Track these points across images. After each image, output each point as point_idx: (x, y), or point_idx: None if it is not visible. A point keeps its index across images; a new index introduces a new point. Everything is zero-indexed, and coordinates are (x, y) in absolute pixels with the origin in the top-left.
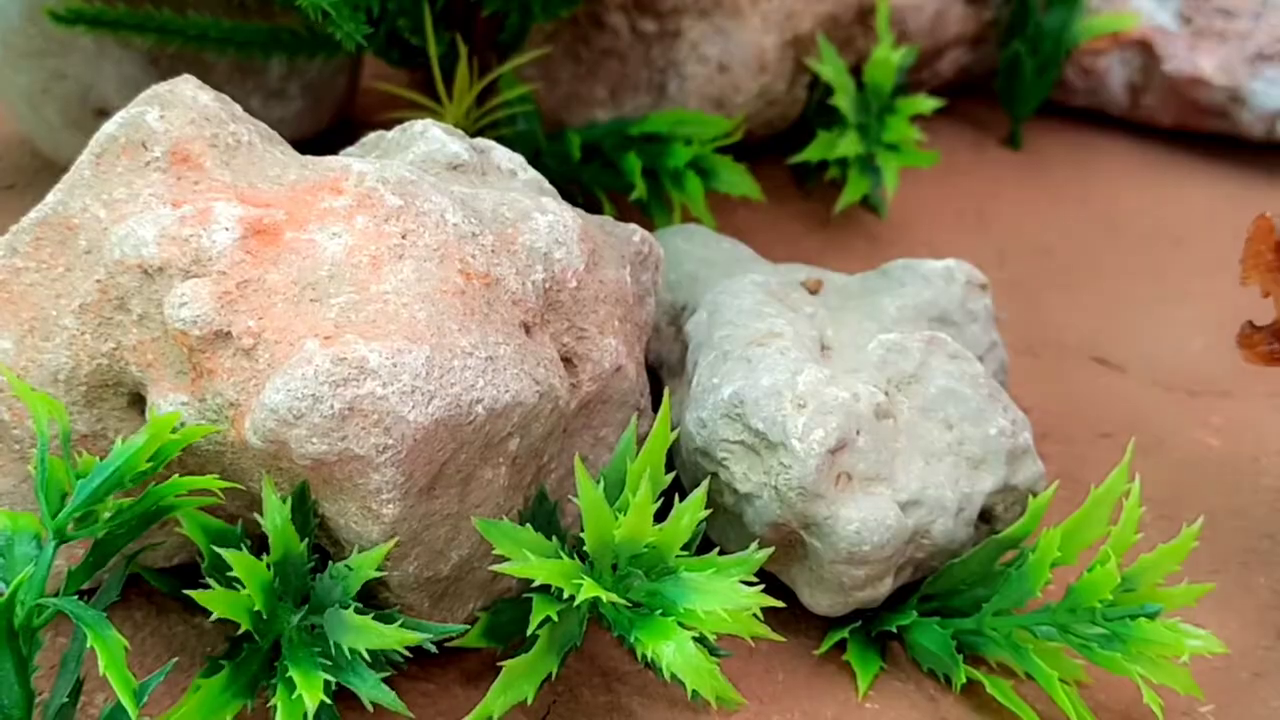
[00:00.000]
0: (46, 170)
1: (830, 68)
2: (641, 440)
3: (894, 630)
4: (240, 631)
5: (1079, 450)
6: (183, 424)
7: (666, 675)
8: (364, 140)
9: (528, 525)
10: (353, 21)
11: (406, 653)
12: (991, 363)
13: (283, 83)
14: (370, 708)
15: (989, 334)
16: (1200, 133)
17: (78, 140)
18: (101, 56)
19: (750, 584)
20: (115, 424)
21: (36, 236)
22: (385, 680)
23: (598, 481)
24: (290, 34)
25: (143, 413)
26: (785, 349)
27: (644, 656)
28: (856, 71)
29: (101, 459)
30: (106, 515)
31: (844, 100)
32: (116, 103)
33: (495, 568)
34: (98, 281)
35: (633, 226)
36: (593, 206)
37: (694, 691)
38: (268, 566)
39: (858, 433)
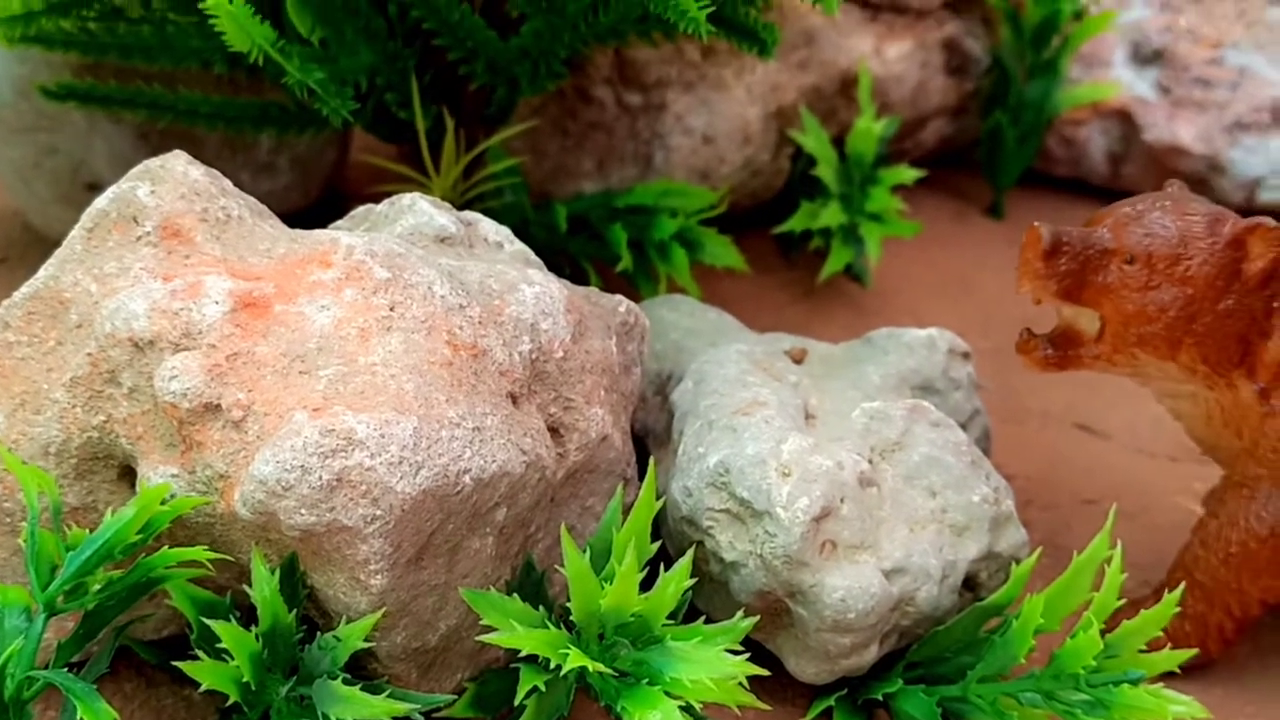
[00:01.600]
0: (37, 244)
1: (813, 139)
2: (628, 509)
3: (880, 698)
4: (229, 703)
5: (1062, 517)
6: (172, 496)
7: None
8: (353, 213)
9: (515, 595)
10: (339, 97)
11: None
12: (974, 430)
13: (272, 157)
14: None
15: (972, 402)
16: None
17: (68, 214)
18: (93, 132)
19: (736, 652)
20: (105, 497)
21: (28, 311)
22: None
23: (584, 551)
24: (279, 109)
25: (132, 485)
26: (770, 418)
27: None
28: (839, 142)
29: (91, 531)
30: (96, 587)
31: (827, 171)
32: (107, 177)
33: (482, 638)
34: (89, 355)
35: (618, 297)
36: (579, 277)
37: None
38: (256, 638)
39: (842, 501)
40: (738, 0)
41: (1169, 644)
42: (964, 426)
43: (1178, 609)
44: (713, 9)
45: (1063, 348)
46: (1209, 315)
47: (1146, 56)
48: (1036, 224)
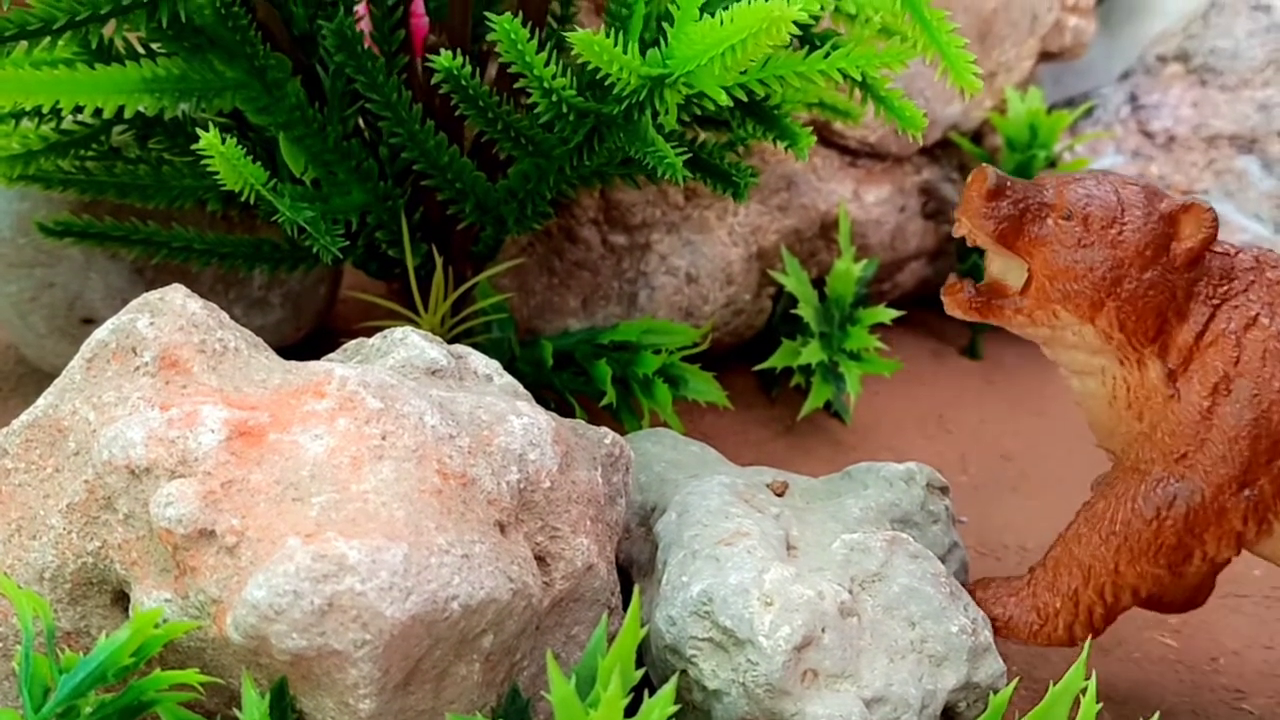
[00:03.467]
0: (31, 376)
1: (794, 279)
2: (612, 638)
3: None
4: None
5: (1038, 649)
6: (165, 620)
7: None
8: (346, 346)
9: None
10: (329, 235)
11: None
12: (953, 563)
13: (264, 292)
14: None
15: (950, 535)
16: None
17: (63, 347)
18: (89, 267)
19: None
20: (98, 621)
21: (26, 438)
22: None
23: (570, 678)
24: (271, 246)
25: (125, 610)
26: (752, 548)
27: None
28: (819, 283)
29: (84, 655)
30: (88, 710)
31: (807, 310)
32: (103, 311)
33: None
34: (86, 482)
35: (604, 430)
36: (565, 412)
37: None
38: None
39: (823, 630)
40: (715, 145)
41: (1035, 620)
42: (943, 559)
43: (1051, 584)
44: (689, 155)
45: (988, 296)
46: (1134, 282)
47: None
48: (984, 165)
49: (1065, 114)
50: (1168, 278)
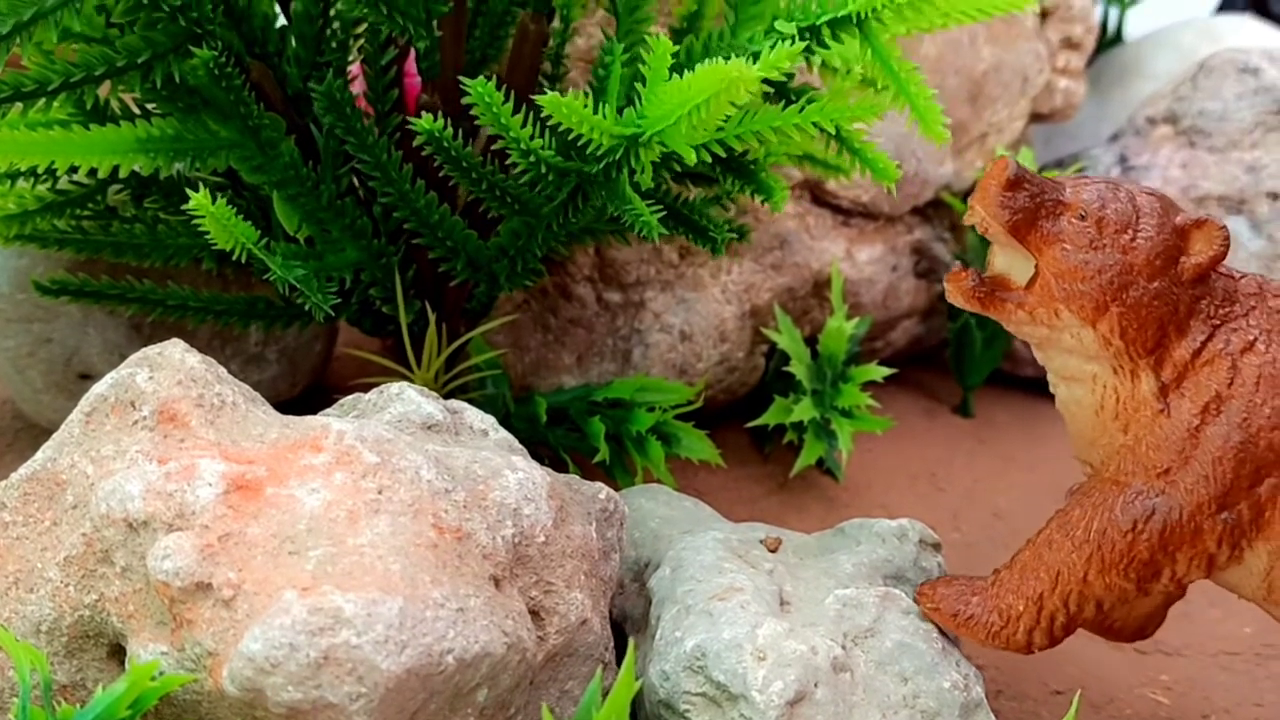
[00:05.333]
0: (28, 431)
1: (787, 337)
2: (606, 693)
3: None
4: None
5: (1031, 708)
6: (162, 673)
7: None
8: (342, 401)
9: None
10: (321, 293)
11: None
12: None
13: (261, 348)
14: None
15: None
16: None
17: (60, 403)
18: (87, 322)
19: None
20: (95, 674)
21: (25, 492)
22: None
23: None
24: (266, 304)
25: (121, 663)
26: (746, 603)
27: None
28: (812, 341)
29: (81, 707)
30: None
31: (800, 368)
32: (100, 367)
33: None
34: (83, 535)
35: (598, 485)
36: (558, 468)
37: None
38: None
39: (816, 685)
40: (700, 200)
41: (996, 621)
42: None
43: (1016, 586)
44: (663, 212)
45: (992, 288)
46: (1140, 290)
47: None
48: (1005, 155)
49: (1056, 174)
50: (1173, 291)
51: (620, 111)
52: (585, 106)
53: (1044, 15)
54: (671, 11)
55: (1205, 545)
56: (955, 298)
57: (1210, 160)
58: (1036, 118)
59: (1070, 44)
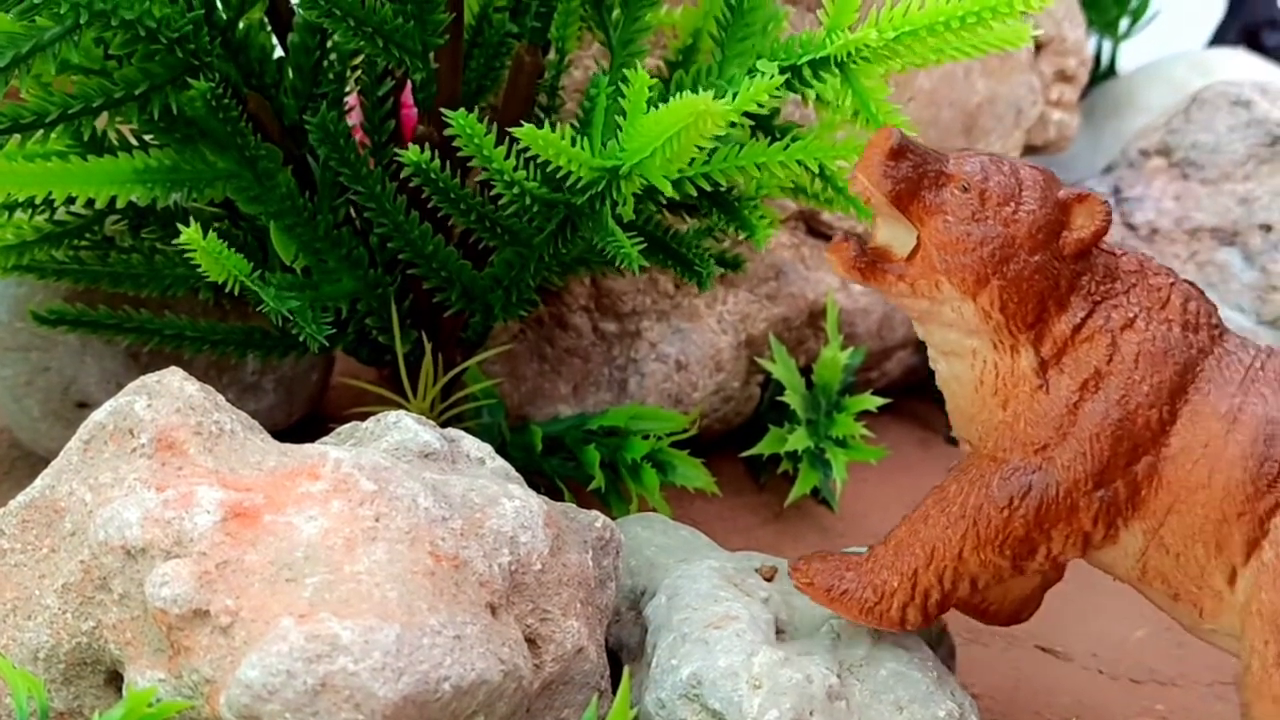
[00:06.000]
0: (24, 460)
1: (782, 367)
2: None
3: None
4: None
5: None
6: (159, 700)
7: None
8: (339, 430)
9: None
10: (315, 323)
11: None
12: (941, 649)
13: (257, 377)
14: None
15: (938, 621)
16: None
17: (57, 431)
18: (85, 351)
19: None
20: (92, 701)
21: (23, 519)
22: None
23: None
24: (263, 334)
25: (118, 690)
26: (741, 631)
27: None
28: (807, 371)
29: None
30: None
31: (795, 398)
32: (97, 395)
33: None
34: (81, 562)
35: (594, 513)
36: (554, 496)
37: None
38: None
39: (811, 713)
40: (692, 233)
41: (870, 597)
42: (930, 645)
43: (892, 562)
44: (644, 244)
45: (874, 258)
46: (1021, 263)
47: None
48: (890, 126)
49: None
50: (1054, 265)
51: (605, 144)
52: (563, 139)
53: (1038, 48)
54: (667, 45)
55: (1081, 523)
56: (837, 268)
57: (1203, 192)
58: (1030, 149)
59: (1064, 77)
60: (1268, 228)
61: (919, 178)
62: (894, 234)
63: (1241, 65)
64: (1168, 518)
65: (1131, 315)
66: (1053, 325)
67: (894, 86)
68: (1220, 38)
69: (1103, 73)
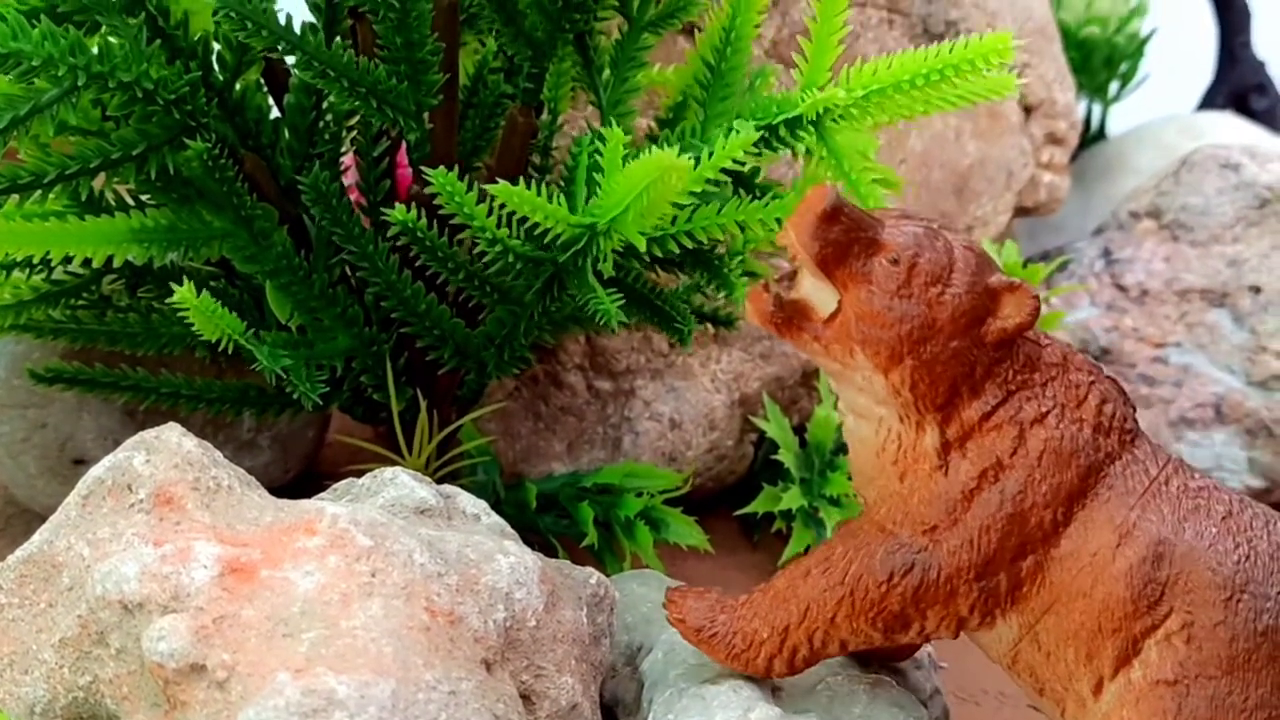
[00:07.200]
0: (20, 517)
1: (775, 426)
2: None
3: None
4: None
5: None
6: None
7: None
8: (336, 486)
9: None
10: (310, 382)
11: None
12: (934, 708)
13: (253, 434)
14: None
15: (931, 680)
16: None
17: (53, 488)
18: (81, 408)
19: None
20: None
21: (21, 574)
22: None
23: None
24: (258, 391)
25: None
26: (738, 687)
27: None
28: (800, 430)
29: None
30: None
31: (788, 456)
32: (94, 452)
33: None
34: (79, 617)
35: (589, 570)
36: (548, 553)
37: None
38: None
39: None
40: (681, 290)
41: (738, 644)
42: (924, 704)
43: (766, 613)
44: (623, 301)
45: (790, 314)
46: (939, 347)
47: (1094, 354)
48: (828, 184)
49: (1040, 267)
50: (973, 351)
51: (588, 200)
52: (540, 196)
53: (1028, 111)
54: (659, 105)
55: (958, 608)
56: (752, 317)
57: (1193, 254)
58: (1021, 211)
59: (1054, 139)
60: (1257, 289)
61: (849, 243)
62: (817, 291)
63: (1230, 129)
64: (1045, 617)
65: (1044, 410)
66: (963, 409)
67: (886, 147)
68: (1209, 101)
69: (1093, 135)
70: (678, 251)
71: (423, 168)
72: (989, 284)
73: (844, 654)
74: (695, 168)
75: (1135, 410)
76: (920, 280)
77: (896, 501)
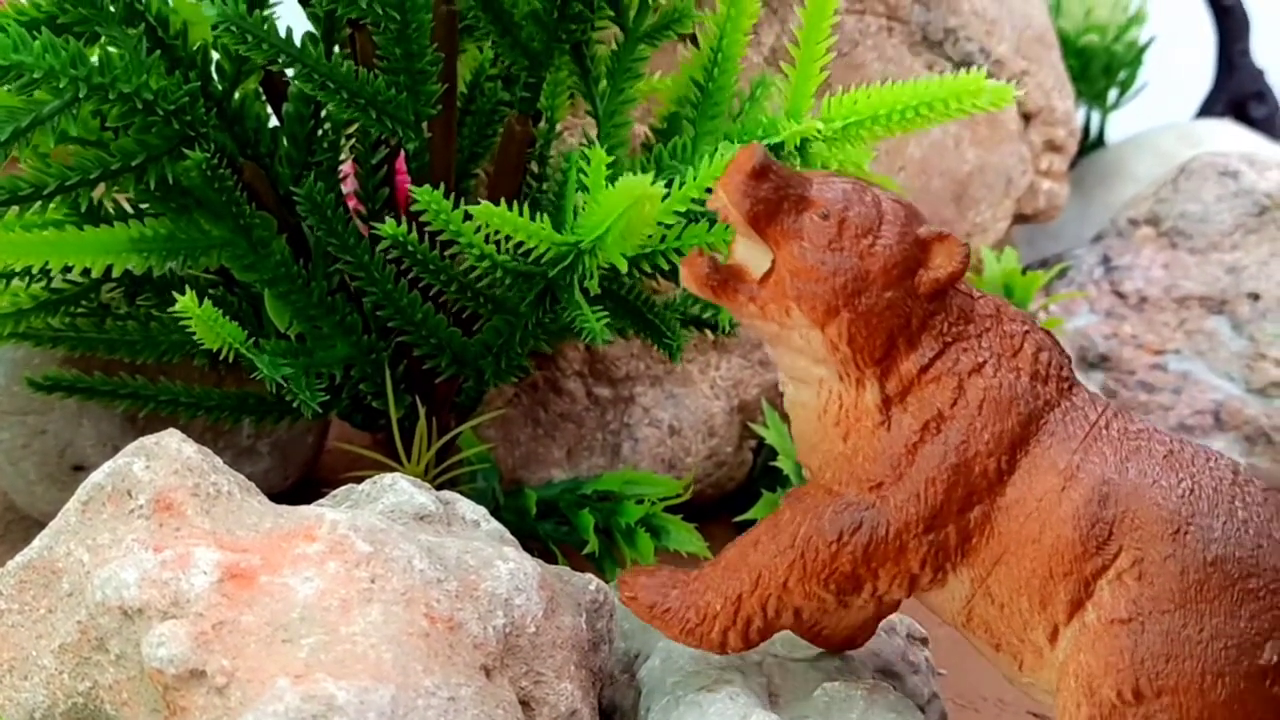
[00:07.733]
0: (19, 523)
1: (774, 432)
2: None
3: None
4: None
5: None
6: None
7: None
8: (335, 493)
9: None
10: (309, 390)
11: None
12: (932, 714)
13: (253, 441)
14: None
15: (929, 686)
16: None
17: (52, 494)
18: (81, 415)
19: None
20: None
21: (20, 580)
22: None
23: None
24: (257, 399)
25: None
26: (735, 694)
27: None
28: None
29: None
30: None
31: (787, 463)
32: (94, 459)
33: None
34: (78, 622)
35: (588, 576)
36: (548, 560)
37: None
38: None
39: None
40: (677, 303)
41: (692, 618)
42: (922, 709)
43: (718, 585)
44: (607, 317)
45: (726, 276)
46: (873, 298)
47: (1093, 361)
48: (756, 144)
49: (1039, 274)
50: (907, 303)
51: (576, 217)
52: (523, 215)
53: (1027, 119)
54: (655, 113)
55: (909, 564)
56: (688, 282)
57: (1191, 261)
58: (1020, 218)
59: (1053, 147)
60: (1255, 296)
61: (779, 200)
62: (750, 253)
63: (1229, 136)
64: (996, 568)
65: (981, 360)
66: (900, 363)
67: (885, 155)
68: (1208, 109)
69: (1092, 143)
70: (667, 268)
71: (410, 187)
72: (919, 235)
73: (800, 623)
74: (679, 190)
75: (1071, 360)
76: (851, 233)
77: (841, 462)
